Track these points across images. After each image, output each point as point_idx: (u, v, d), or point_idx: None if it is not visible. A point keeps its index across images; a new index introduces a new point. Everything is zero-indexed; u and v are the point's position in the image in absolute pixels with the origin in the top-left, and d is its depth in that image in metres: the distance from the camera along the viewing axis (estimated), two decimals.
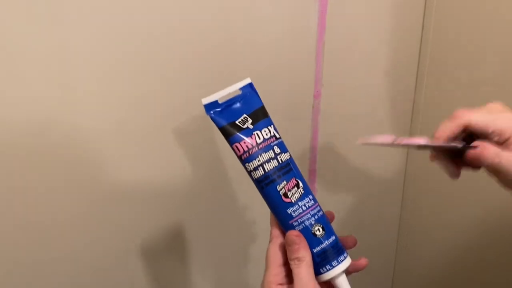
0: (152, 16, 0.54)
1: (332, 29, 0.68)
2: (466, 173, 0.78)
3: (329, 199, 0.82)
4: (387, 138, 0.40)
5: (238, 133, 0.42)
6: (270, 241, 0.43)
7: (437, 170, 0.82)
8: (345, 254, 0.42)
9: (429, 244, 0.90)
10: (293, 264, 0.40)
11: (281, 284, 0.41)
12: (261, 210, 0.67)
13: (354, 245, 0.44)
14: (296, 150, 0.74)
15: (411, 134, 0.87)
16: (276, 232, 0.43)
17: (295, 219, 0.41)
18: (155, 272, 0.67)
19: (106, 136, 0.55)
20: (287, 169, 0.42)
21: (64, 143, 0.53)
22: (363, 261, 0.43)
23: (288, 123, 0.70)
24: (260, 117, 0.43)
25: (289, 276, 0.41)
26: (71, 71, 0.51)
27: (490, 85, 0.70)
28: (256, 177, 0.42)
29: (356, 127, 0.79)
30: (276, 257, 0.41)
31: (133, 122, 0.57)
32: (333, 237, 0.42)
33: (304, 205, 0.42)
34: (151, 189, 0.61)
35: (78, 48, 0.50)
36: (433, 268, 0.91)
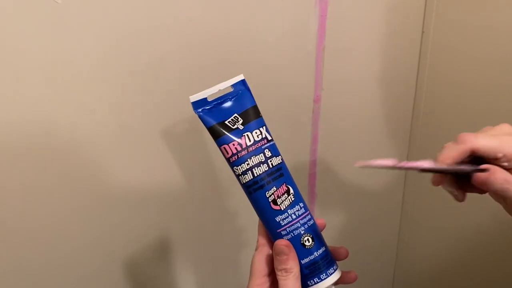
0: (152, 19, 0.52)
1: (332, 34, 0.67)
2: None
3: (330, 202, 0.81)
4: (388, 162, 0.37)
5: (227, 134, 0.39)
6: (256, 249, 0.41)
7: None
8: (334, 267, 0.40)
9: (430, 244, 0.90)
10: (280, 275, 0.38)
11: None
12: (254, 215, 0.66)
13: (346, 257, 0.42)
14: (296, 154, 0.72)
15: (411, 138, 0.86)
16: (263, 241, 0.41)
17: (283, 227, 0.39)
18: (143, 278, 0.65)
19: (100, 140, 0.54)
20: (278, 174, 0.40)
21: (57, 148, 0.51)
22: (353, 275, 0.41)
23: (288, 127, 0.69)
24: (252, 117, 0.40)
25: (274, 286, 0.39)
26: (68, 74, 0.49)
27: (491, 89, 0.69)
28: (244, 181, 0.39)
29: (356, 131, 0.78)
30: (261, 266, 0.39)
31: (131, 125, 0.55)
32: (323, 248, 0.40)
33: (294, 213, 0.39)
34: (143, 194, 0.59)
35: (76, 51, 0.49)
36: (434, 268, 0.90)
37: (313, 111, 0.71)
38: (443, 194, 0.82)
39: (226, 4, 0.56)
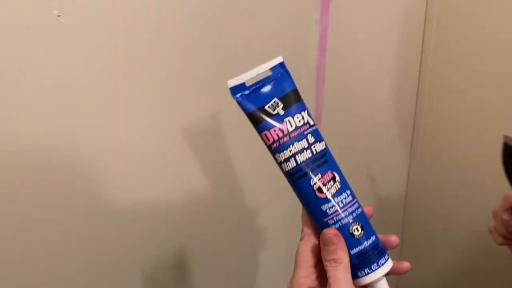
0: (154, 32, 0.52)
1: (333, 51, 0.67)
2: (469, 179, 0.78)
3: None
4: None
5: (268, 120, 0.37)
6: (301, 240, 0.39)
7: (439, 177, 0.83)
8: (386, 257, 0.38)
9: (433, 248, 0.90)
10: (329, 266, 0.36)
11: (311, 287, 0.37)
12: (269, 228, 0.65)
13: (396, 245, 0.40)
14: None
15: (411, 157, 0.88)
16: (308, 231, 0.39)
17: (330, 216, 0.37)
18: None
19: (109, 155, 0.53)
20: (322, 161, 0.37)
21: (66, 161, 0.50)
22: (405, 265, 0.39)
23: None
24: (293, 101, 0.38)
25: (321, 278, 0.37)
26: (73, 84, 0.48)
27: (492, 96, 0.71)
28: (287, 169, 0.37)
29: (357, 149, 0.79)
30: (307, 257, 0.37)
31: (137, 138, 0.54)
32: (373, 238, 0.38)
33: (341, 201, 0.37)
34: (156, 207, 0.58)
35: (80, 56, 0.48)
36: (437, 271, 0.90)
37: None
38: (445, 199, 0.83)
39: (227, 24, 0.56)
